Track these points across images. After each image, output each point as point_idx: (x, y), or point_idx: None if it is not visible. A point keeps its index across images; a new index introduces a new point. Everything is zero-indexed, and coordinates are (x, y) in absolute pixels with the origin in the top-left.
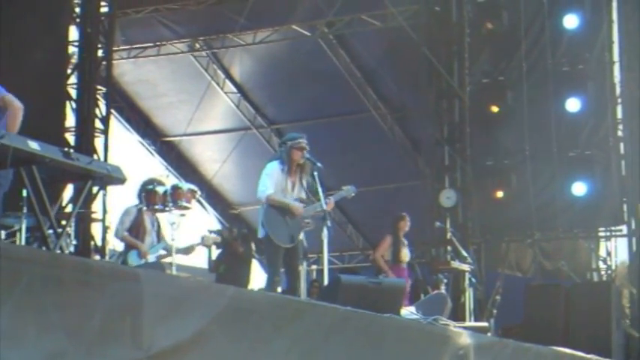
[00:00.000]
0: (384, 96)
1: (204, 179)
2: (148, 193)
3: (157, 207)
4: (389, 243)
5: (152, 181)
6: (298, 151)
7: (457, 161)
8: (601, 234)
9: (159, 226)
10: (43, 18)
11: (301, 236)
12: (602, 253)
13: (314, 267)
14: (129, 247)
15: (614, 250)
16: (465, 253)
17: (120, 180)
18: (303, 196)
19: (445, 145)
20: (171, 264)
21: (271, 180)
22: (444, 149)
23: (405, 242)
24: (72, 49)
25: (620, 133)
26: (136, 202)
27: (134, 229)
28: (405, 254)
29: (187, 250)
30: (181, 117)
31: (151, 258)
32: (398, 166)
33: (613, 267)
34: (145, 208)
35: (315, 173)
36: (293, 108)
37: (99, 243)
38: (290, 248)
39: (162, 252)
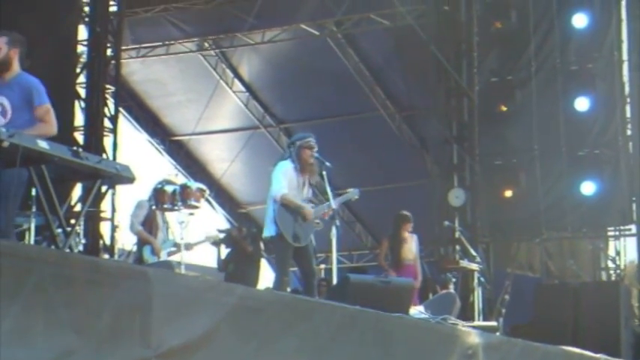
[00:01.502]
0: (392, 95)
1: (212, 178)
2: (157, 192)
3: (166, 206)
4: (386, 246)
5: (162, 181)
6: (307, 150)
7: (466, 160)
8: (610, 233)
9: (168, 226)
10: (52, 16)
11: (312, 236)
12: (611, 252)
13: (322, 266)
14: (142, 242)
15: (623, 250)
16: (473, 252)
17: (129, 179)
18: (310, 195)
19: (454, 143)
20: (180, 262)
21: (285, 179)
22: (452, 148)
23: (409, 239)
24: (81, 49)
25: (629, 132)
26: (148, 196)
27: (147, 225)
28: (408, 250)
29: (188, 247)
30: (190, 116)
31: (163, 255)
32: (406, 165)
33: (622, 266)
34: (154, 206)
35: (324, 173)
36: (302, 107)
37: (108, 242)
38: (301, 249)
39: (172, 249)
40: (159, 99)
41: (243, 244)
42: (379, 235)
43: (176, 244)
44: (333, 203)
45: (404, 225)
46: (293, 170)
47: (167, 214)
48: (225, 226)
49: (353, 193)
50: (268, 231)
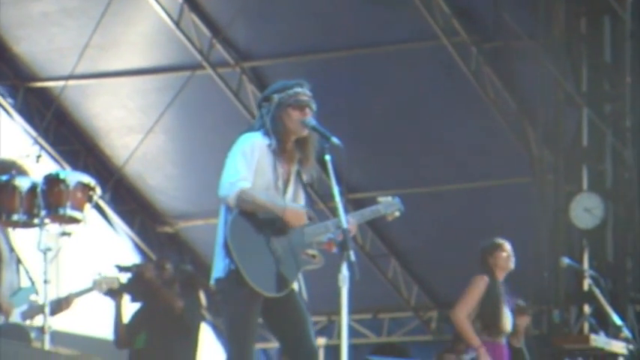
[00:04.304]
0: (464, 11)
1: (109, 165)
2: None
3: (15, 217)
4: (482, 290)
5: (5, 167)
6: (296, 112)
7: (606, 136)
8: None
9: (19, 258)
10: None
11: (300, 280)
12: None
13: (323, 341)
14: None
15: None
16: (618, 320)
17: None
18: (302, 200)
19: (584, 106)
20: (42, 328)
21: (249, 164)
22: (581, 112)
23: (506, 297)
24: None
25: None
26: None
27: None
28: (508, 319)
29: (62, 305)
30: (65, 43)
31: (15, 316)
32: (487, 147)
33: None
34: None
35: (327, 158)
36: (287, 30)
37: None
38: (280, 303)
39: (31, 304)
40: (7, 8)
41: (165, 294)
42: (432, 281)
43: (38, 294)
44: (346, 221)
45: (501, 263)
46: (267, 152)
47: (17, 233)
48: (133, 258)
49: (389, 205)
50: (217, 269)
